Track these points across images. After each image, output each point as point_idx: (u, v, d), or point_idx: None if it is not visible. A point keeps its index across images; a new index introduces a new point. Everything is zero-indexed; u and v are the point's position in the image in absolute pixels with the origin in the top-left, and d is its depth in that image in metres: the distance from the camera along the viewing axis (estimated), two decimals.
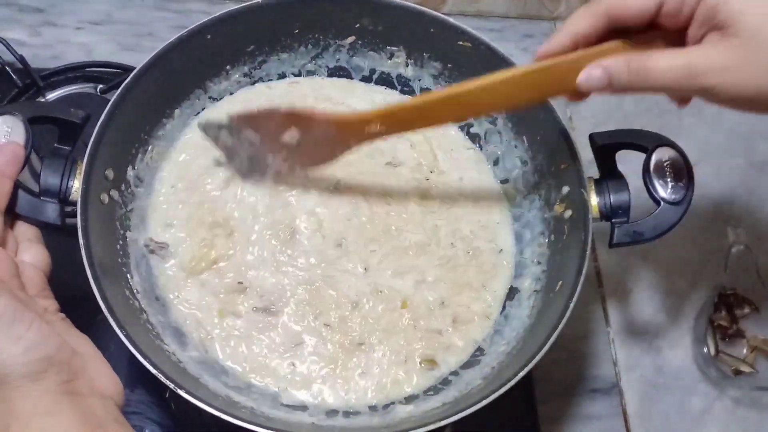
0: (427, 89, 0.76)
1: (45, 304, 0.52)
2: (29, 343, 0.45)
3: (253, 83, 0.75)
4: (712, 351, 0.79)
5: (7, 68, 0.81)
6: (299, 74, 0.77)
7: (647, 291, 0.84)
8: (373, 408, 0.61)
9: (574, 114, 0.93)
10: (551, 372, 0.76)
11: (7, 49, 0.81)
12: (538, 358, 0.55)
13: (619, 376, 0.79)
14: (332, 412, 0.61)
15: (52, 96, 0.82)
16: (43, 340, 0.46)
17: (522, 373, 0.54)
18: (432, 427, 0.52)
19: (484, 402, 0.53)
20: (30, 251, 0.55)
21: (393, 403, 0.61)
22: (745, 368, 0.78)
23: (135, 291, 0.62)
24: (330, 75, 0.77)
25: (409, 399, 0.62)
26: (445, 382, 0.63)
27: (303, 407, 0.61)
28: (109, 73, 0.84)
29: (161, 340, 0.60)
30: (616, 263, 0.85)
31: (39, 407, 0.45)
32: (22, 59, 0.81)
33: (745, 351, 0.80)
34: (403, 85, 0.77)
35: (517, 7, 0.97)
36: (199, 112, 0.73)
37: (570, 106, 0.94)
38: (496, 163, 0.75)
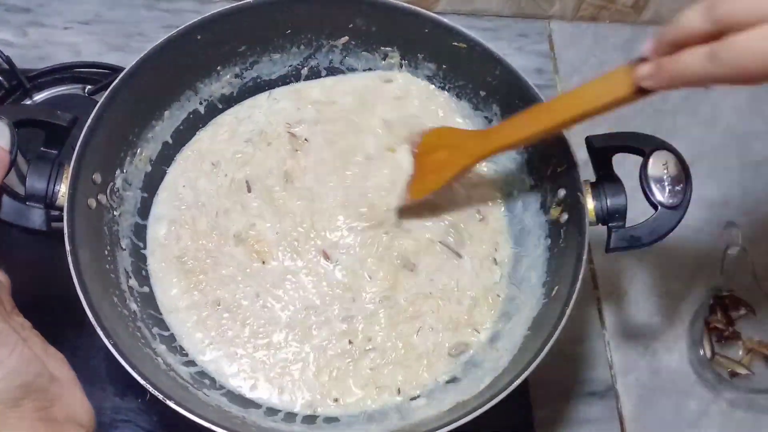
0: None
1: (20, 322, 0.51)
2: (10, 369, 0.45)
3: (244, 84, 0.74)
4: (708, 353, 0.78)
5: None
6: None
7: (643, 293, 0.83)
8: (368, 417, 0.61)
9: None
10: (547, 376, 0.75)
11: None
12: (534, 365, 0.54)
13: (614, 379, 0.79)
14: (326, 420, 0.60)
15: (39, 97, 0.81)
16: (24, 366, 0.45)
17: (519, 381, 0.53)
18: None
19: (482, 410, 0.52)
20: None
21: (389, 411, 0.61)
22: (741, 370, 0.78)
23: (124, 297, 0.61)
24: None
25: (407, 407, 0.61)
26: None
27: (294, 416, 0.60)
28: (97, 74, 0.83)
29: (151, 348, 0.59)
30: (612, 265, 0.84)
31: None
32: (8, 60, 0.80)
33: (741, 353, 0.80)
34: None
35: (512, 5, 0.97)
36: (188, 115, 0.72)
37: None
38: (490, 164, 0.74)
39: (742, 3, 0.40)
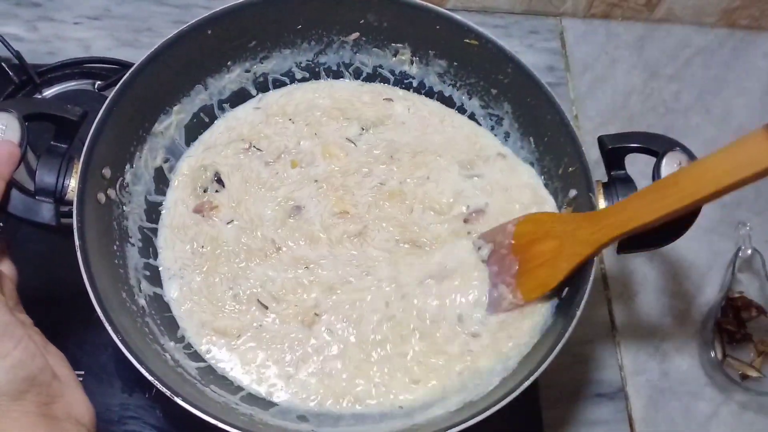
0: (430, 89, 0.75)
1: (21, 318, 0.51)
2: (15, 360, 0.44)
3: (255, 79, 0.74)
4: (719, 355, 0.78)
5: (2, 64, 0.80)
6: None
7: (653, 294, 0.83)
8: (377, 417, 0.60)
9: (579, 113, 0.92)
10: (556, 377, 0.75)
11: (3, 44, 0.80)
12: (544, 366, 0.53)
13: (624, 380, 0.78)
14: (333, 420, 0.59)
15: (49, 93, 0.81)
16: (29, 359, 0.45)
17: (528, 382, 0.53)
18: None
19: (491, 411, 0.52)
20: (3, 262, 0.53)
21: (396, 411, 0.60)
22: (752, 373, 0.77)
23: (132, 292, 0.61)
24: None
25: (414, 407, 0.61)
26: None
27: (302, 416, 0.60)
28: (107, 69, 0.83)
29: (158, 344, 0.59)
30: (622, 266, 0.83)
31: (17, 428, 0.44)
32: (18, 55, 0.80)
33: (752, 355, 0.79)
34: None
35: (523, 2, 0.96)
36: (198, 109, 0.71)
37: (576, 104, 0.92)
38: None
39: None
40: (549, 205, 0.68)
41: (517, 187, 0.70)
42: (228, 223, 0.67)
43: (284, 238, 0.66)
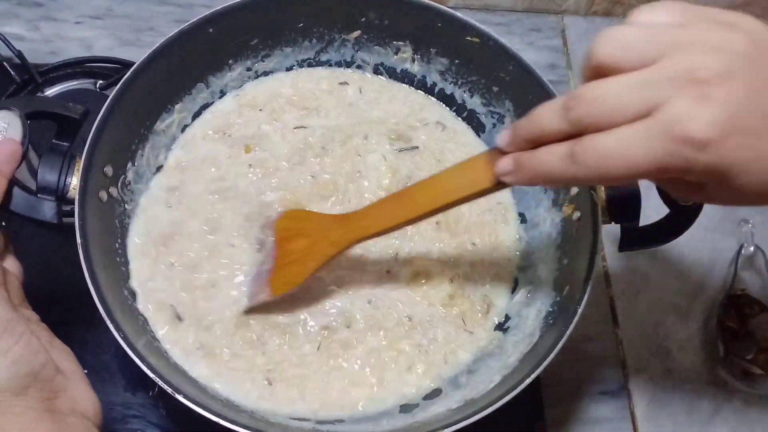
0: (432, 86, 0.75)
1: (27, 315, 0.51)
2: (17, 356, 0.45)
3: (257, 77, 0.74)
4: (722, 353, 0.78)
5: (4, 64, 0.80)
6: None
7: (656, 292, 0.83)
8: (378, 415, 0.60)
9: None
10: (558, 375, 0.75)
11: (5, 44, 0.80)
12: (545, 363, 0.53)
13: (627, 378, 0.78)
14: (334, 420, 0.59)
15: (50, 92, 0.81)
16: (30, 354, 0.45)
17: (530, 379, 0.53)
18: None
19: (492, 408, 0.52)
20: (7, 259, 0.53)
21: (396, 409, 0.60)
22: (755, 370, 0.77)
23: (134, 291, 0.61)
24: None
25: (415, 405, 0.61)
26: (452, 386, 0.62)
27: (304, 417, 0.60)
28: (108, 69, 0.83)
29: (159, 341, 0.59)
30: (625, 264, 0.83)
31: (20, 423, 0.44)
32: (20, 54, 0.80)
33: (754, 353, 0.79)
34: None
35: (524, 0, 0.96)
36: (199, 108, 0.71)
37: None
38: None
39: (598, 106, 0.38)
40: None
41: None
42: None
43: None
